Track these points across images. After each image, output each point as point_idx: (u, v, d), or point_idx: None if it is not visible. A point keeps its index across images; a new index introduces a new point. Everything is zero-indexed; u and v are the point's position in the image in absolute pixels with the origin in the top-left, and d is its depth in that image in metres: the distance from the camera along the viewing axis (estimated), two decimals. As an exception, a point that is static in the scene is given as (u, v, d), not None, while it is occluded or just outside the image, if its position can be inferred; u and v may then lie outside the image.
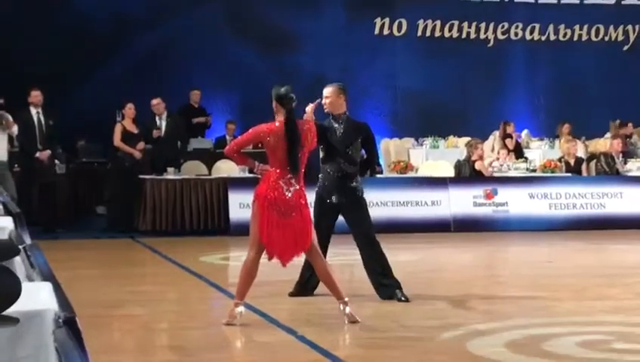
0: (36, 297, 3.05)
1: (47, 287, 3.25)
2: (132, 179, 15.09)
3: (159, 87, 17.49)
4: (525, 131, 19.95)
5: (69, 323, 2.81)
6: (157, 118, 15.95)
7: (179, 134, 16.29)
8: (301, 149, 7.43)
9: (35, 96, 14.86)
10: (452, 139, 18.91)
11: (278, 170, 7.41)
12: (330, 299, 7.98)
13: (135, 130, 15.47)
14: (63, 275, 8.92)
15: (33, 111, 14.90)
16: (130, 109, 15.45)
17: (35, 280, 3.80)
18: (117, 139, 15.33)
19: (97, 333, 6.78)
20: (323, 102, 8.48)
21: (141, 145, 15.38)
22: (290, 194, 7.35)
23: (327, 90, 8.56)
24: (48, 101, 15.12)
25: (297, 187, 7.39)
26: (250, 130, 7.62)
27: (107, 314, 8.04)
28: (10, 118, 14.46)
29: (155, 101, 15.91)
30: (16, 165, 15.06)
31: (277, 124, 7.48)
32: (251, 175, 15.77)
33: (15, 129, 14.58)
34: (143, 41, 19.39)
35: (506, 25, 21.80)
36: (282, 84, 7.66)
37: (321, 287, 8.18)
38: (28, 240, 5.00)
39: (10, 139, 14.79)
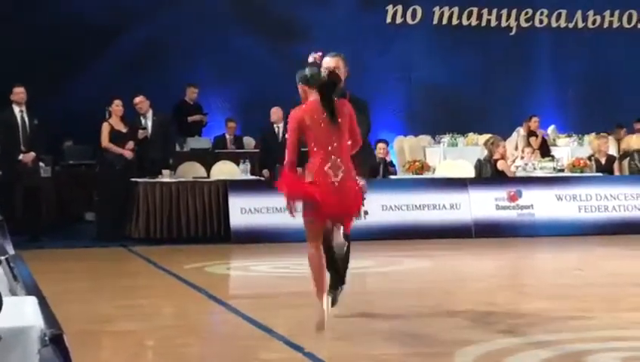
0: (20, 313, 3.05)
1: (31, 302, 3.25)
2: (123, 182, 15.09)
3: (154, 83, 17.52)
4: (552, 127, 19.95)
5: (55, 341, 2.82)
6: (142, 118, 15.89)
7: (166, 134, 16.20)
8: (341, 127, 7.41)
9: (18, 93, 14.81)
10: (472, 136, 18.90)
11: (320, 157, 7.36)
12: (335, 311, 7.98)
13: (124, 129, 15.44)
14: (49, 288, 8.93)
15: (16, 109, 14.88)
16: (117, 106, 15.40)
17: (18, 294, 3.80)
18: (105, 140, 15.31)
19: (86, 351, 6.77)
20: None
21: (130, 144, 15.35)
22: (337, 180, 7.34)
23: (334, 60, 8.19)
24: (33, 99, 15.10)
25: (344, 168, 7.37)
26: (289, 121, 7.64)
27: (97, 330, 8.03)
28: None
29: (137, 99, 15.83)
30: (-4, 168, 15.07)
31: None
32: (253, 177, 15.81)
33: None
34: (137, 34, 19.43)
35: (530, 11, 21.80)
36: (304, 68, 7.69)
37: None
38: (11, 251, 5.00)
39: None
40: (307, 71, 7.64)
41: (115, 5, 19.39)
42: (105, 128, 15.35)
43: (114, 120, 15.45)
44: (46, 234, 15.12)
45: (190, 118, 18.55)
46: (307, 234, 7.61)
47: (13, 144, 14.84)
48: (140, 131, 15.67)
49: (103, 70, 18.79)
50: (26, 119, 14.93)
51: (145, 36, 19.39)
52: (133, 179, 15.15)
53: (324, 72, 7.60)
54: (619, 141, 18.73)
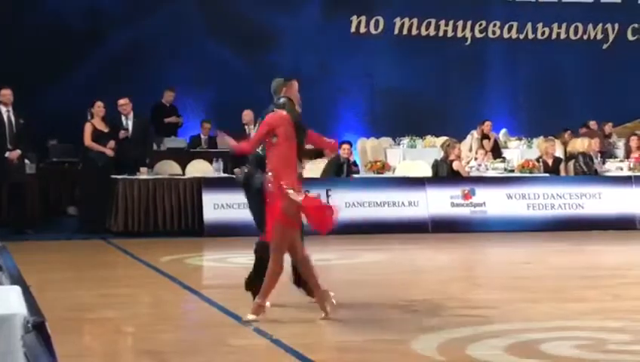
0: (4, 301, 3.02)
1: (15, 291, 3.22)
2: (104, 179, 15.00)
3: (133, 85, 17.46)
4: (503, 130, 20.04)
5: (38, 328, 2.79)
6: (123, 118, 15.82)
7: (145, 135, 16.15)
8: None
9: (5, 94, 14.74)
10: (429, 138, 18.93)
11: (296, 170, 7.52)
12: (304, 302, 7.99)
13: (105, 129, 15.38)
14: (33, 278, 8.87)
15: (3, 109, 14.79)
16: (99, 107, 15.36)
17: (3, 284, 3.77)
18: (87, 139, 15.24)
19: (68, 337, 6.73)
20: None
21: (112, 143, 15.29)
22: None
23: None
24: (18, 100, 15.00)
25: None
26: (264, 123, 7.69)
27: (78, 317, 7.99)
28: None
29: (122, 101, 15.76)
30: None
31: (284, 113, 7.62)
32: (225, 175, 15.77)
33: None
34: (117, 39, 19.34)
35: (484, 23, 21.86)
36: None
37: (296, 292, 8.18)
38: (-4, 242, 4.95)
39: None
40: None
41: (97, 10, 19.30)
42: (87, 128, 15.28)
43: (96, 120, 15.38)
44: (30, 227, 15.01)
45: (167, 120, 18.50)
46: (282, 244, 7.53)
47: (0, 142, 14.73)
48: (122, 132, 15.60)
49: (85, 73, 18.69)
50: (12, 119, 14.83)
51: (125, 41, 19.30)
52: (113, 176, 15.08)
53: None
54: (565, 144, 18.82)
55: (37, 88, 17.76)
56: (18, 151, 14.84)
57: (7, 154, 14.71)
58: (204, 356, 6.43)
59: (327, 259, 11.06)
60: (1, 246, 4.83)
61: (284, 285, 8.29)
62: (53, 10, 18.99)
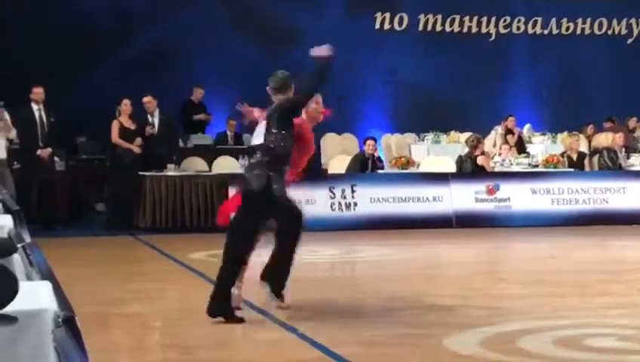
0: (35, 296, 3.05)
1: (46, 286, 3.25)
2: (131, 176, 15.08)
3: (159, 83, 17.50)
4: (527, 126, 19.95)
5: (68, 323, 2.81)
6: (149, 116, 15.90)
7: (171, 132, 16.23)
8: None
9: (37, 92, 14.84)
10: (454, 134, 18.88)
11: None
12: (326, 296, 8.01)
13: (132, 127, 15.47)
14: (62, 273, 8.93)
15: (35, 107, 14.89)
16: (126, 105, 15.46)
17: (34, 279, 3.80)
18: (115, 136, 15.34)
19: (97, 332, 6.78)
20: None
21: (138, 140, 15.38)
22: None
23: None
24: (48, 97, 15.10)
25: None
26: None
27: (107, 312, 8.04)
28: (9, 120, 14.37)
29: (146, 98, 15.85)
30: (15, 162, 15.06)
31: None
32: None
33: (13, 133, 14.54)
34: (145, 37, 19.41)
35: (508, 19, 21.80)
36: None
37: (321, 286, 8.20)
38: (27, 238, 4.99)
39: (10, 135, 14.78)
40: None
41: (124, 10, 19.36)
42: (115, 125, 15.37)
43: (123, 118, 15.47)
44: (60, 224, 15.11)
45: (196, 117, 18.58)
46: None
47: (32, 140, 14.83)
48: (148, 128, 15.68)
49: (113, 71, 18.76)
50: (44, 117, 14.93)
51: (152, 39, 19.36)
52: (140, 173, 15.15)
53: None
54: (588, 138, 18.76)
55: (66, 86, 17.85)
56: (49, 150, 14.94)
57: (38, 152, 14.82)
58: (230, 350, 6.47)
59: (353, 254, 11.08)
60: (31, 242, 4.87)
61: (305, 281, 8.33)
62: (80, 10, 19.06)
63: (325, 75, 7.86)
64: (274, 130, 7.56)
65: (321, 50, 7.64)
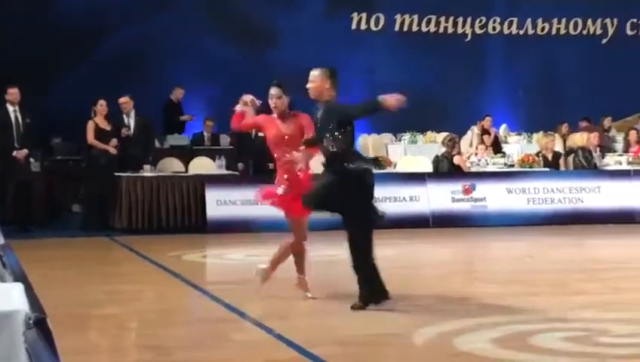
0: (7, 298, 3.03)
1: (18, 288, 3.23)
2: (107, 176, 15.02)
3: (136, 84, 17.46)
4: (503, 126, 20.03)
5: (39, 324, 2.80)
6: (125, 117, 15.83)
7: (147, 132, 16.16)
8: None
9: (12, 93, 14.75)
10: (430, 134, 18.94)
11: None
12: (302, 296, 8.00)
13: (108, 127, 15.43)
14: (37, 274, 8.89)
15: (10, 108, 14.80)
16: (101, 106, 15.41)
17: (6, 281, 3.78)
18: (90, 137, 15.28)
19: (72, 333, 6.75)
20: (307, 86, 7.95)
21: (114, 141, 15.33)
22: None
23: (312, 74, 7.96)
24: (24, 98, 15.01)
25: None
26: None
27: (83, 313, 8.00)
28: None
29: (122, 99, 15.78)
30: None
31: None
32: (228, 172, 15.78)
33: None
34: (121, 37, 19.34)
35: (484, 19, 21.86)
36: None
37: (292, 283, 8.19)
38: (1, 240, 4.96)
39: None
40: None
41: (100, 10, 19.28)
42: (90, 126, 15.31)
43: (99, 118, 15.42)
44: (36, 225, 15.03)
45: (182, 118, 18.57)
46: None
47: (8, 141, 14.74)
48: (124, 130, 15.62)
49: (89, 71, 18.68)
50: (19, 118, 14.85)
51: (128, 40, 19.30)
52: (116, 174, 15.09)
53: None
54: (563, 137, 18.86)
55: (41, 86, 17.76)
56: (25, 151, 14.86)
57: (14, 153, 14.72)
58: (207, 351, 6.44)
59: (330, 254, 11.06)
60: (5, 243, 4.84)
61: (288, 281, 8.33)
62: (56, 10, 18.99)
63: (370, 114, 8.41)
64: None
65: (392, 102, 7.66)
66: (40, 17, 18.82)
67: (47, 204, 16.20)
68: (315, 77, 7.91)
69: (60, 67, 18.52)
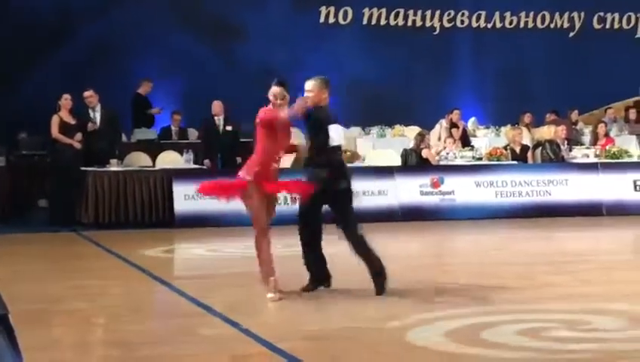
0: (-33, 294, 3.00)
1: (-21, 284, 3.20)
2: (73, 171, 14.94)
3: (102, 78, 17.39)
4: (472, 119, 20.09)
5: (1, 321, 2.77)
6: (90, 111, 15.74)
7: (114, 126, 16.07)
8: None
9: (-25, 88, 14.66)
10: (398, 128, 18.97)
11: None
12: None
13: (72, 121, 15.34)
14: (3, 270, 8.82)
15: (-27, 103, 14.70)
16: (66, 100, 15.32)
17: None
18: (55, 131, 15.19)
19: (37, 329, 6.71)
20: (305, 95, 8.41)
21: (79, 136, 15.24)
22: None
23: (310, 84, 8.49)
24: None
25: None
26: None
27: (48, 309, 7.95)
28: None
29: (87, 93, 15.69)
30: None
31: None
32: (196, 166, 15.73)
33: None
34: (86, 32, 19.24)
35: (452, 12, 21.92)
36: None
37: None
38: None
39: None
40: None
41: (65, 5, 19.16)
42: (54, 120, 15.22)
43: (63, 113, 15.33)
44: (1, 221, 14.93)
45: (150, 111, 18.48)
46: None
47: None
48: (90, 124, 15.54)
49: (55, 66, 18.57)
50: (-17, 113, 14.74)
51: (94, 35, 19.19)
52: (82, 168, 15.01)
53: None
54: (526, 126, 18.99)
55: (6, 81, 17.64)
56: (-11, 146, 14.76)
57: (-22, 148, 14.63)
58: (172, 346, 6.41)
59: (297, 248, 11.05)
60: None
61: (250, 276, 8.31)
62: (21, 5, 18.85)
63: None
64: None
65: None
66: (4, 12, 18.66)
67: (12, 200, 16.09)
68: (314, 86, 8.49)
69: (26, 62, 18.40)
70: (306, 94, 8.38)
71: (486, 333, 6.50)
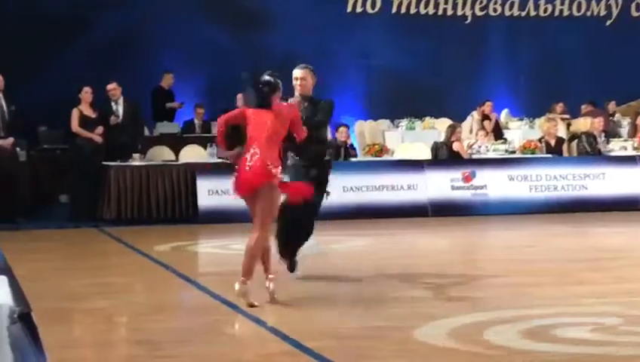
0: (-10, 292, 3.04)
1: (2, 281, 3.24)
2: (94, 165, 15.03)
3: (124, 70, 17.44)
4: (505, 111, 20.03)
5: (23, 319, 2.82)
6: (113, 104, 15.84)
7: (136, 120, 16.17)
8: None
9: (-5, 80, 14.76)
10: (429, 120, 18.91)
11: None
12: (297, 289, 8.02)
13: (93, 115, 15.43)
14: (24, 267, 8.92)
15: (-6, 96, 14.80)
16: (86, 93, 15.40)
17: (-10, 274, 3.79)
18: (75, 125, 15.28)
19: (59, 327, 6.77)
20: (296, 83, 8.77)
21: (99, 129, 15.32)
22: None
23: (301, 72, 8.80)
24: (8, 86, 15.00)
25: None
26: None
27: (70, 307, 8.02)
28: None
29: (110, 86, 15.80)
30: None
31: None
32: (219, 160, 15.78)
33: None
34: (109, 23, 19.29)
35: (485, 1, 21.83)
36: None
37: (292, 279, 8.20)
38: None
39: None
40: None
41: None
42: (75, 114, 15.31)
43: (83, 106, 15.42)
44: (22, 216, 15.03)
45: (169, 105, 18.55)
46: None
47: (-8, 130, 14.74)
48: (112, 117, 15.64)
49: (75, 58, 18.65)
50: (4, 105, 14.83)
51: (116, 25, 19.26)
52: (104, 163, 15.10)
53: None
54: (560, 116, 18.91)
55: (27, 74, 17.74)
56: (11, 139, 14.85)
57: (0, 142, 14.72)
58: (197, 345, 6.46)
59: (325, 244, 11.10)
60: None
61: (282, 273, 8.35)
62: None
63: None
64: None
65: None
66: (25, 2, 18.78)
67: (33, 195, 16.19)
68: (306, 74, 8.82)
69: (47, 54, 18.50)
70: (299, 82, 8.74)
71: (527, 333, 6.51)
